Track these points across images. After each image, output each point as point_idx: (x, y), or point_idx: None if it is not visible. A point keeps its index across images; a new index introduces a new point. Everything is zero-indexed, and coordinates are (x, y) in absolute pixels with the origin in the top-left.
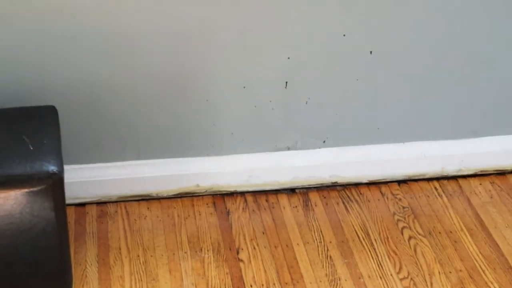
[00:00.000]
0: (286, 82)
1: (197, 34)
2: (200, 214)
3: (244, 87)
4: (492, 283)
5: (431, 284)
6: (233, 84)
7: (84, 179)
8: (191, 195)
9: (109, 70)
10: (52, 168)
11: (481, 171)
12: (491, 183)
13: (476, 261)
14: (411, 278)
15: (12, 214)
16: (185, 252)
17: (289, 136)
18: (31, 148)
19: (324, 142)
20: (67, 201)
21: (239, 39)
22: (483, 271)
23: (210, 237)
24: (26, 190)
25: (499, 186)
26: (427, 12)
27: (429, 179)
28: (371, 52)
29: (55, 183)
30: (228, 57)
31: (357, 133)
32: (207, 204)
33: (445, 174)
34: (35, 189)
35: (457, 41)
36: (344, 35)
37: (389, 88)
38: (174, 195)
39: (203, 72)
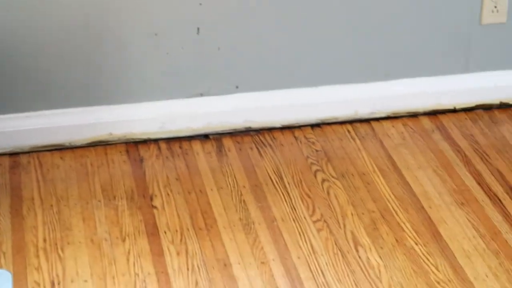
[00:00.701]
0: (198, 28)
1: None
2: (113, 163)
3: (155, 34)
4: (404, 223)
5: (344, 225)
6: (144, 31)
7: None
8: (104, 143)
9: (17, 19)
10: None
11: (394, 113)
12: (403, 125)
13: (389, 201)
14: (324, 220)
15: None
16: (99, 201)
17: (202, 82)
18: None
19: (237, 87)
20: None
21: None
22: (395, 212)
23: (124, 185)
24: None
25: (411, 128)
26: None
27: (342, 122)
28: None
29: None
30: (139, 3)
31: (269, 78)
32: (120, 152)
33: (358, 117)
34: None
35: None
36: None
37: (301, 32)
38: (87, 144)
39: (114, 20)
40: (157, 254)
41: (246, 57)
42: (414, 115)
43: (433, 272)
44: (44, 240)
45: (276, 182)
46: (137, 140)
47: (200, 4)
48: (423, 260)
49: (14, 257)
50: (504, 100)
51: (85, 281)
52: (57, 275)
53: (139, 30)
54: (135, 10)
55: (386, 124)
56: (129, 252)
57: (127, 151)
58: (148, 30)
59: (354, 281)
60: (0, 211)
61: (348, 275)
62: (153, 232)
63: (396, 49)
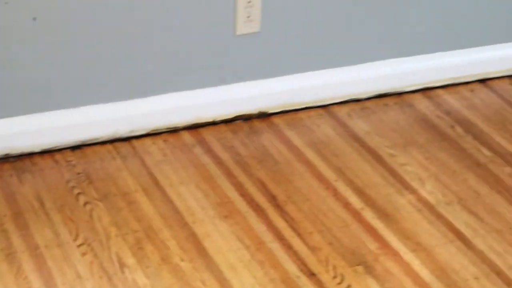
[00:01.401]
0: None
1: None
2: None
3: None
4: (169, 240)
5: (109, 247)
6: None
7: None
8: None
9: None
10: None
11: (154, 130)
12: (164, 141)
13: (153, 220)
14: (88, 244)
15: None
16: None
17: None
18: None
19: None
20: None
21: None
22: (160, 230)
23: None
24: None
25: (172, 143)
26: None
27: (103, 142)
28: None
29: None
30: None
31: (25, 101)
32: None
33: (118, 136)
34: None
35: None
36: None
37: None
38: None
39: None
40: None
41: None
42: (174, 131)
43: (200, 286)
44: None
45: (38, 208)
46: None
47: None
48: (190, 277)
49: None
50: (263, 110)
51: None
52: None
53: None
54: None
55: (147, 141)
56: None
57: None
58: None
59: None
60: None
61: None
62: None
63: (154, 66)
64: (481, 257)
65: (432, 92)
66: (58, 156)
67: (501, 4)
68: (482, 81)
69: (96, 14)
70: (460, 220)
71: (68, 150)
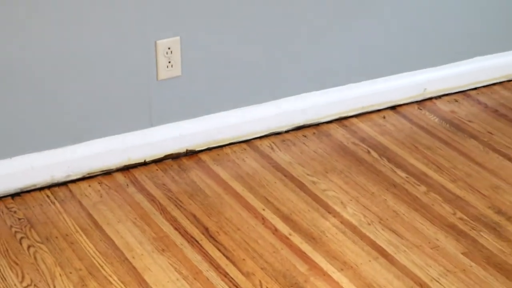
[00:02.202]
0: None
1: None
2: None
3: None
4: (111, 276)
5: (54, 286)
6: None
7: None
8: None
9: None
10: None
11: (89, 173)
12: (99, 183)
13: (94, 258)
14: (34, 284)
15: None
16: None
17: None
18: None
19: None
20: None
21: None
22: (102, 266)
23: None
24: None
25: (107, 185)
26: None
27: (41, 188)
28: None
29: None
30: None
31: None
32: None
33: (55, 181)
34: None
35: None
36: None
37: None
38: None
39: None
40: None
41: None
42: (108, 173)
43: None
44: None
45: None
46: None
47: None
48: None
49: None
50: (190, 148)
51: None
52: None
53: None
54: None
55: (83, 184)
56: None
57: None
58: None
59: None
60: None
61: None
62: None
63: (84, 112)
64: (405, 272)
65: (347, 121)
66: (4, 203)
67: (409, 34)
68: (393, 107)
69: (25, 63)
70: (382, 238)
71: (9, 197)
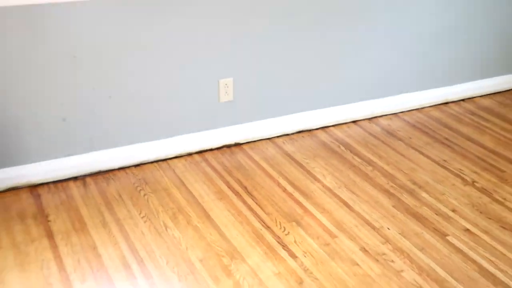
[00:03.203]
0: None
1: None
2: (22, 199)
3: None
4: (191, 212)
5: (158, 217)
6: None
7: None
8: (15, 188)
9: None
10: None
11: (179, 154)
12: (185, 160)
13: (181, 202)
14: (147, 216)
15: None
16: (15, 221)
17: None
18: None
19: (90, 149)
20: None
21: None
22: (185, 207)
23: (30, 211)
24: None
25: (189, 161)
26: None
27: (151, 162)
28: None
29: None
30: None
31: None
32: (25, 192)
33: (160, 158)
34: None
35: None
36: None
37: None
38: (4, 190)
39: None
40: (53, 246)
41: None
42: (190, 154)
43: (209, 236)
44: None
45: (119, 200)
46: (34, 184)
47: None
48: (203, 231)
49: None
50: (237, 141)
51: (10, 269)
52: None
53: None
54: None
55: (175, 160)
56: (36, 248)
57: (30, 191)
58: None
59: (167, 247)
60: None
61: (163, 245)
62: (49, 235)
63: (179, 118)
64: (359, 216)
65: (327, 129)
66: (127, 170)
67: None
68: (354, 121)
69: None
70: (345, 195)
71: (132, 167)
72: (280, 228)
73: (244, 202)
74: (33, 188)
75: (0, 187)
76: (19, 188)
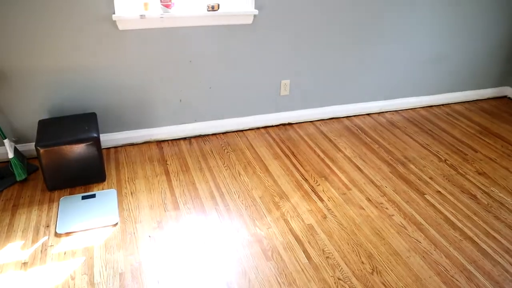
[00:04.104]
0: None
1: None
2: (150, 149)
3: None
4: (255, 166)
5: (234, 167)
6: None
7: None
8: (148, 142)
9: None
10: (95, 134)
11: (250, 128)
12: (253, 132)
13: (250, 158)
14: (228, 166)
15: (83, 151)
16: (147, 162)
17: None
18: (87, 128)
19: (195, 120)
20: (103, 147)
21: None
22: (251, 162)
23: (156, 158)
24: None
25: (257, 133)
26: None
27: (232, 132)
28: None
29: (96, 141)
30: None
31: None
32: (154, 145)
33: (238, 129)
34: (90, 142)
35: None
36: None
37: None
38: (142, 142)
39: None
40: (169, 180)
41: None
42: (257, 128)
43: (267, 182)
44: (128, 177)
45: (210, 154)
46: (160, 140)
47: None
48: (262, 179)
49: (117, 184)
50: (290, 121)
51: (143, 191)
52: (133, 190)
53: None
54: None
55: (247, 132)
56: (158, 180)
57: (157, 145)
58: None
59: (239, 187)
60: (111, 168)
61: (237, 185)
62: (167, 173)
63: (252, 104)
64: (367, 177)
65: (351, 118)
66: (217, 136)
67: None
68: (368, 114)
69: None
70: (358, 162)
71: (221, 134)
72: (314, 180)
73: (291, 161)
74: (159, 143)
75: (138, 141)
76: (150, 142)
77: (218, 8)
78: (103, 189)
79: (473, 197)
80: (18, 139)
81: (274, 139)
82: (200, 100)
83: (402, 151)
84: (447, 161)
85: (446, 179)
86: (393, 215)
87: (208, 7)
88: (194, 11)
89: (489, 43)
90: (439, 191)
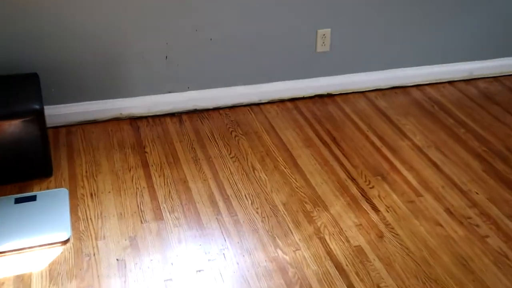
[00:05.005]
0: (166, 56)
1: None
2: (123, 129)
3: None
4: (278, 157)
5: (247, 159)
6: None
7: (59, 113)
8: (117, 119)
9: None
10: (37, 106)
11: (272, 100)
12: (277, 106)
13: (270, 146)
14: (236, 156)
15: (18, 131)
16: (115, 149)
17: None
18: (23, 95)
19: (188, 88)
20: (48, 125)
21: None
22: (273, 151)
23: (129, 141)
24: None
25: (281, 108)
26: None
27: (244, 105)
28: None
29: (38, 115)
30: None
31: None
32: (126, 124)
33: (252, 102)
34: (29, 118)
35: None
36: None
37: None
38: (108, 119)
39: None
40: (148, 176)
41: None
42: (282, 101)
43: (294, 182)
44: (86, 171)
45: (211, 138)
46: (135, 116)
47: None
48: (288, 176)
49: (69, 181)
50: (329, 92)
51: (109, 192)
52: (94, 190)
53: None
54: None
55: (268, 106)
56: (132, 176)
57: (130, 123)
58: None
59: (253, 189)
60: (61, 157)
61: (249, 186)
62: (145, 166)
63: (273, 65)
64: (446, 176)
65: (422, 87)
66: (221, 111)
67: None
68: (449, 82)
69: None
70: (434, 155)
71: (227, 108)
72: (365, 181)
73: (332, 152)
74: (133, 120)
75: (103, 117)
76: (121, 119)
77: None
78: (48, 188)
79: None
80: None
81: (306, 118)
82: (196, 58)
83: (503, 139)
84: None
85: None
86: (487, 236)
87: None
88: None
89: None
90: None
